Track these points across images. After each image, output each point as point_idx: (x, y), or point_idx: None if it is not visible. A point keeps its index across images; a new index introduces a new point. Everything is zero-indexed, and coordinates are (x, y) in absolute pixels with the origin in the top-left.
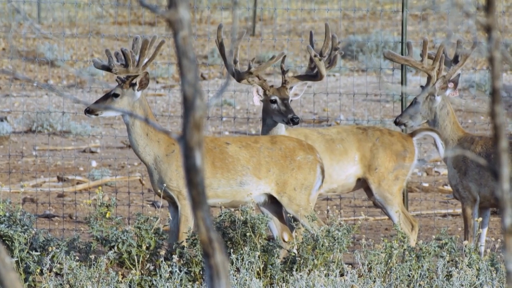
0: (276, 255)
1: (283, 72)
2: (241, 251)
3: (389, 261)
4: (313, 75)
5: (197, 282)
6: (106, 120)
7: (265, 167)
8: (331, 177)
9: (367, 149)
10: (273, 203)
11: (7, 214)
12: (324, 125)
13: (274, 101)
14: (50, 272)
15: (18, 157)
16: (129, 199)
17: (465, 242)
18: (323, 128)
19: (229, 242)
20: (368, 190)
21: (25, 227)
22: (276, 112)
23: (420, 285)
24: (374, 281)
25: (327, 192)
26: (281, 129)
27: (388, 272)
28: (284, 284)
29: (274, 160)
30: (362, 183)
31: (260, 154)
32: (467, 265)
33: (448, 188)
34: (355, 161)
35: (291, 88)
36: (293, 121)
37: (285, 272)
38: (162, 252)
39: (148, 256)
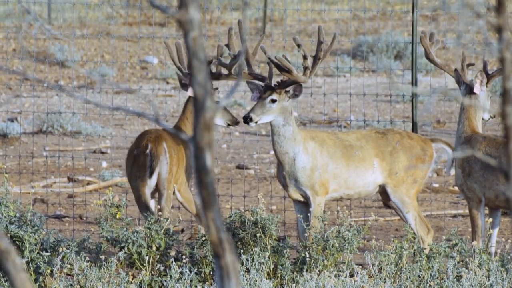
0: (286, 256)
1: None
2: (251, 252)
3: (399, 261)
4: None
5: (207, 283)
6: (116, 121)
7: None
8: (346, 182)
9: (387, 153)
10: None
11: (18, 215)
12: (334, 126)
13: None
14: (60, 272)
15: (29, 157)
16: None
17: (474, 243)
18: (342, 132)
19: (239, 243)
20: (383, 193)
21: (36, 228)
22: None
23: (430, 285)
24: (384, 282)
25: (343, 197)
26: (285, 128)
27: (398, 273)
28: (294, 284)
29: None
30: (381, 188)
31: None
32: (477, 266)
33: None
34: (374, 168)
35: (286, 90)
36: (243, 118)
37: (295, 273)
38: (172, 253)
39: (158, 256)
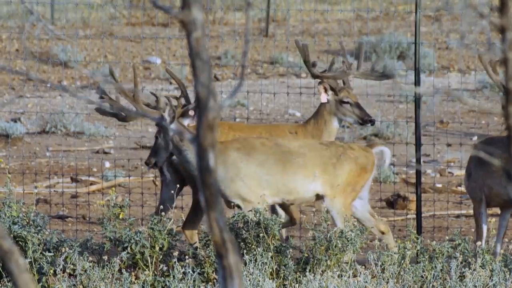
0: (289, 256)
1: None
2: (254, 252)
3: (402, 262)
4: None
5: (210, 283)
6: (119, 121)
7: None
8: (286, 187)
9: (330, 165)
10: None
11: (21, 215)
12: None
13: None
14: (63, 273)
15: (32, 158)
16: (142, 200)
17: (478, 243)
18: (285, 139)
19: (242, 243)
20: (319, 198)
21: (39, 228)
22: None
23: (433, 286)
24: (387, 282)
25: (285, 202)
26: (183, 154)
27: (401, 273)
28: (297, 285)
29: None
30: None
31: None
32: (480, 266)
33: (461, 188)
34: (315, 177)
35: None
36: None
37: (298, 273)
38: (175, 253)
39: (161, 257)
